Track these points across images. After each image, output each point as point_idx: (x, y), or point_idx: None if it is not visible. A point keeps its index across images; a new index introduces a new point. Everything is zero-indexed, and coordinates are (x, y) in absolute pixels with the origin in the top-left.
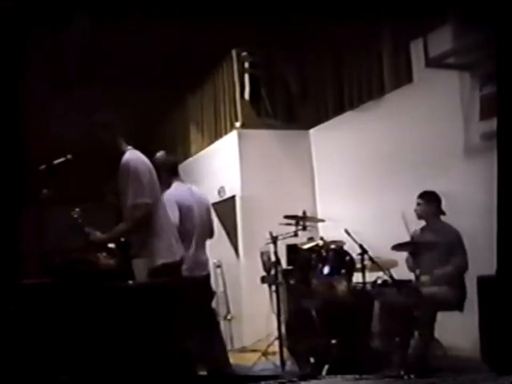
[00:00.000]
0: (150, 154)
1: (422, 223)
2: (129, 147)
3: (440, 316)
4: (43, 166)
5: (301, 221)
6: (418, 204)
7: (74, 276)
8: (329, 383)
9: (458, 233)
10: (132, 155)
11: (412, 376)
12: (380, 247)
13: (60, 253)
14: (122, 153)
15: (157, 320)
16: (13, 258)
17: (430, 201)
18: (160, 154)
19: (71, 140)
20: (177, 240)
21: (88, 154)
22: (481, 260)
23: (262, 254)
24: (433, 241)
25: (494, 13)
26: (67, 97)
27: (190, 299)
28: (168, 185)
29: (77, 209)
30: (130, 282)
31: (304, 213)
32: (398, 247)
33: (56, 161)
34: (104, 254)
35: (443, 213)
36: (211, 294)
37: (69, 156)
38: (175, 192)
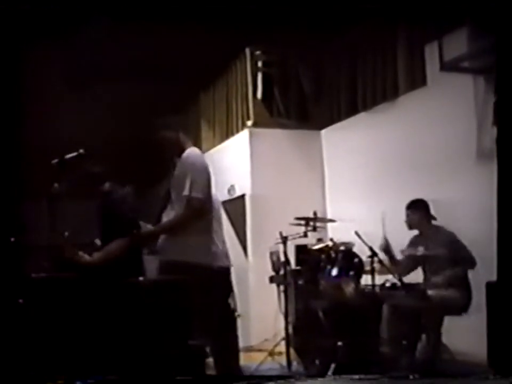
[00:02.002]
0: None
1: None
2: (190, 145)
3: (448, 320)
4: (55, 160)
5: (312, 222)
6: (407, 215)
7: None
8: (334, 382)
9: (453, 233)
10: (193, 151)
11: (417, 376)
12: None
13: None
14: (183, 150)
15: (184, 316)
16: (24, 252)
17: (418, 210)
18: None
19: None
20: (224, 242)
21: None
22: (491, 265)
23: (271, 254)
24: (431, 248)
25: (495, 14)
26: (82, 94)
27: (216, 293)
28: None
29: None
30: (141, 278)
31: (315, 213)
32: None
33: (68, 156)
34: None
35: (433, 218)
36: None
37: (81, 150)
38: None
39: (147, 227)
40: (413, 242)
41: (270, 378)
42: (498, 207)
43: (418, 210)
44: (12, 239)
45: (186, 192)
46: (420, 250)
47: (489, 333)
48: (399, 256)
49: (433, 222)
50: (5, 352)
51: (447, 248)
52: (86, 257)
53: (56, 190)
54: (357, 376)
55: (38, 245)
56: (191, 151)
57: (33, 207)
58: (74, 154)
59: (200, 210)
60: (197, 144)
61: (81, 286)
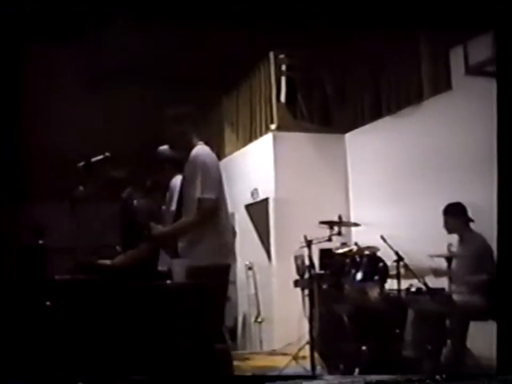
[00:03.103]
0: None
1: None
2: (200, 142)
3: (473, 325)
4: (81, 163)
5: (337, 225)
6: (445, 220)
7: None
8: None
9: (485, 239)
10: (202, 149)
11: (444, 376)
12: (413, 254)
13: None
14: (192, 147)
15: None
16: (48, 255)
17: (455, 214)
18: (163, 148)
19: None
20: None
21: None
22: None
23: (296, 257)
24: (466, 254)
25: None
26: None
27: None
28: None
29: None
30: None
31: (340, 217)
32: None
33: (94, 159)
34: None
35: (471, 220)
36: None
37: (107, 154)
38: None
39: (158, 228)
40: (453, 248)
41: (296, 378)
42: (498, 211)
43: (455, 214)
44: (40, 242)
45: (198, 193)
46: (452, 253)
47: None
48: (422, 260)
49: (474, 226)
50: (34, 354)
51: (479, 254)
52: (107, 262)
53: (81, 192)
54: (386, 377)
55: (63, 247)
56: (200, 149)
57: (58, 209)
58: (101, 157)
59: (213, 210)
60: (220, 147)
61: (106, 289)
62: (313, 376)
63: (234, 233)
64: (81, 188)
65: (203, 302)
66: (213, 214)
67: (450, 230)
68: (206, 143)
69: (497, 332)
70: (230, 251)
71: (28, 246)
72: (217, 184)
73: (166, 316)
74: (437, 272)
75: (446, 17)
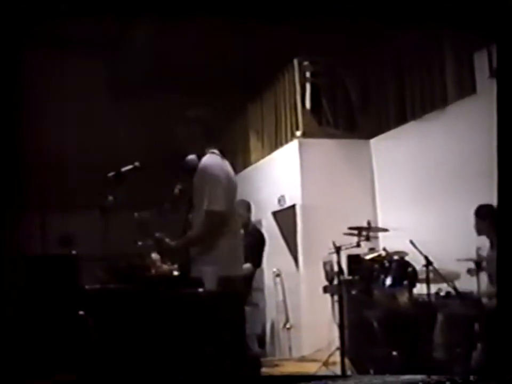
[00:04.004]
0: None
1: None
2: (212, 150)
3: None
4: (111, 173)
5: (365, 231)
6: (476, 221)
7: (140, 282)
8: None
9: None
10: (211, 159)
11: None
12: (442, 258)
13: (125, 260)
14: (202, 155)
15: (225, 327)
16: (79, 264)
17: (485, 217)
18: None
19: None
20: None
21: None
22: None
23: (324, 264)
24: (496, 257)
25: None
26: (132, 104)
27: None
28: None
29: (139, 213)
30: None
31: (368, 223)
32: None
33: (124, 169)
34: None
35: None
36: None
37: (136, 163)
38: None
39: (166, 241)
40: (480, 249)
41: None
42: (498, 212)
43: (485, 216)
44: (74, 252)
45: (205, 206)
46: (480, 257)
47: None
48: (450, 264)
49: None
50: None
51: None
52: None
53: (111, 202)
54: (419, 377)
55: (96, 257)
56: (209, 159)
57: (89, 219)
58: (130, 167)
59: (220, 222)
60: (246, 155)
61: (139, 298)
62: (345, 376)
63: (263, 240)
64: (110, 197)
65: (229, 310)
66: (221, 225)
67: (480, 231)
68: (220, 151)
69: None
70: (239, 260)
71: (60, 256)
72: (225, 195)
73: (194, 323)
74: (471, 272)
75: (470, 20)
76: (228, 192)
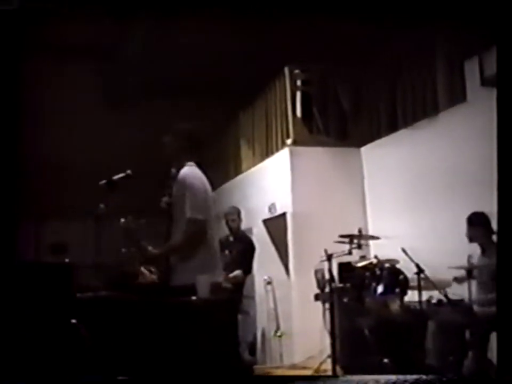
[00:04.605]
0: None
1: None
2: (189, 162)
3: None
4: (103, 181)
5: (357, 239)
6: (468, 228)
7: (131, 290)
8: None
9: None
10: (190, 170)
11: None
12: (433, 266)
13: (114, 268)
14: (181, 167)
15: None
16: (71, 272)
17: (477, 224)
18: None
19: (128, 154)
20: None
21: (145, 168)
22: None
23: (316, 271)
24: (488, 265)
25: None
26: (123, 113)
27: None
28: None
29: (126, 219)
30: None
31: (360, 231)
32: (457, 279)
33: (116, 177)
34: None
35: (494, 232)
36: None
37: (128, 171)
38: None
39: (149, 249)
40: (474, 258)
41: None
42: (498, 214)
43: (477, 224)
44: (66, 260)
45: (187, 214)
46: (472, 264)
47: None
48: (442, 272)
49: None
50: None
51: None
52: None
53: (103, 210)
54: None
55: (88, 265)
56: (188, 170)
57: (80, 227)
58: (122, 175)
59: (201, 231)
60: (237, 163)
61: (130, 306)
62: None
63: (252, 248)
64: (102, 205)
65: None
66: (201, 234)
67: (472, 239)
68: (199, 163)
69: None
70: (216, 268)
71: (52, 264)
72: (205, 205)
73: (186, 331)
74: (458, 280)
75: (461, 28)
76: (206, 201)
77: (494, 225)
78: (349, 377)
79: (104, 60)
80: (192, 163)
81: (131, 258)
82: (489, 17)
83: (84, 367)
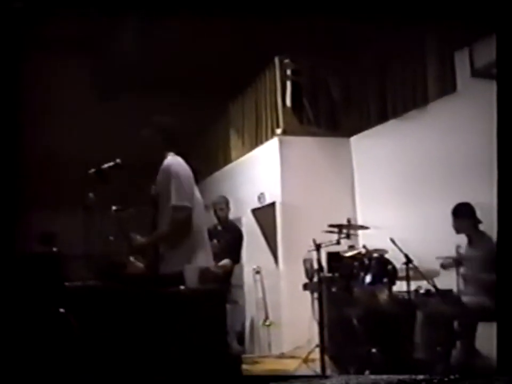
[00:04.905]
0: (191, 160)
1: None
2: (171, 153)
3: (482, 326)
4: (92, 170)
5: (346, 229)
6: (454, 220)
7: (118, 280)
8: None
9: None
10: (173, 160)
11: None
12: (422, 256)
13: (104, 256)
14: (164, 157)
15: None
16: (61, 261)
17: (463, 215)
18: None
19: (115, 144)
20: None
21: (132, 159)
22: None
23: (304, 261)
24: (474, 255)
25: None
26: (111, 104)
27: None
28: None
29: (116, 207)
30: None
31: (349, 221)
32: (444, 266)
33: (105, 165)
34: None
35: (480, 222)
36: None
37: (118, 160)
38: None
39: (137, 238)
40: (462, 249)
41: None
42: (498, 213)
43: (463, 215)
44: (54, 249)
45: (173, 201)
46: (460, 255)
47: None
48: (430, 262)
49: (484, 228)
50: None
51: (488, 257)
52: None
53: (92, 199)
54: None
55: (77, 255)
56: (172, 160)
57: (69, 216)
58: (111, 164)
59: (188, 218)
60: (226, 152)
61: (120, 295)
62: (325, 377)
63: (241, 237)
64: (91, 194)
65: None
66: (188, 222)
67: (458, 230)
68: (183, 154)
69: (497, 331)
70: (205, 255)
71: (41, 254)
72: (190, 192)
73: (174, 321)
74: (445, 266)
75: (452, 19)
76: (191, 189)
77: (480, 215)
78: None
79: (92, 52)
80: (173, 153)
81: (119, 246)
82: (489, 8)
83: (72, 356)
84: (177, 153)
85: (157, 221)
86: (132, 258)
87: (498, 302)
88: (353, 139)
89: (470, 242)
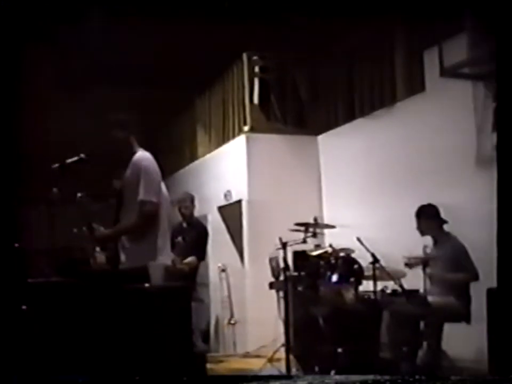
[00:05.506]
0: (156, 155)
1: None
2: (140, 148)
3: (448, 327)
4: (56, 165)
5: (312, 227)
6: (418, 222)
7: (81, 276)
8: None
9: (464, 246)
10: (144, 155)
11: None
12: (388, 256)
13: (66, 252)
14: (134, 152)
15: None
16: (23, 257)
17: (427, 217)
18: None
19: (82, 138)
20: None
21: (98, 153)
22: (490, 271)
23: (270, 259)
24: (440, 255)
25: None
26: (78, 98)
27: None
28: None
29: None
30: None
31: (315, 219)
32: (409, 265)
33: (69, 160)
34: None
35: (445, 222)
36: None
37: (82, 155)
38: None
39: (100, 229)
40: (428, 250)
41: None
42: (498, 213)
43: (427, 216)
44: (16, 245)
45: (140, 196)
46: (427, 255)
47: (490, 338)
48: (397, 262)
49: (448, 228)
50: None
51: (454, 257)
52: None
53: (56, 194)
54: (357, 378)
55: (39, 250)
56: (142, 155)
57: (34, 211)
58: (76, 158)
59: (155, 213)
60: (193, 148)
61: (83, 291)
62: (289, 377)
63: (206, 234)
64: (55, 189)
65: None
66: (154, 217)
67: (423, 232)
68: (147, 149)
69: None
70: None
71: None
72: (158, 188)
73: (136, 319)
74: (409, 265)
75: (421, 18)
76: (159, 185)
77: (444, 216)
78: None
79: (57, 44)
80: (142, 148)
81: (82, 240)
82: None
83: (32, 352)
84: (146, 149)
85: (120, 215)
86: (96, 254)
87: (489, 304)
88: (320, 137)
89: (436, 243)
